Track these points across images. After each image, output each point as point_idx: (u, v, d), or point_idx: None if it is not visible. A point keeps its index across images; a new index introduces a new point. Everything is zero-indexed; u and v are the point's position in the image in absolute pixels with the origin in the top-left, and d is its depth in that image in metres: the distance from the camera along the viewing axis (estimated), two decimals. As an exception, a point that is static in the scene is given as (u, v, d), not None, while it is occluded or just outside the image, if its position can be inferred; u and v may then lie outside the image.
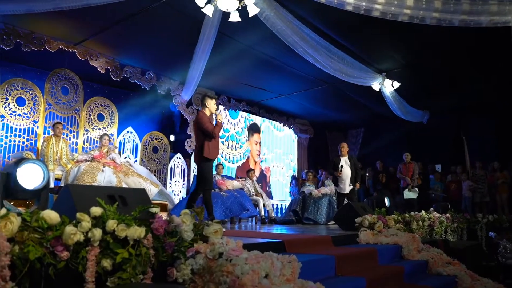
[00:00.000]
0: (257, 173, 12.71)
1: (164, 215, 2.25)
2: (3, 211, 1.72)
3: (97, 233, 1.87)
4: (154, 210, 2.18)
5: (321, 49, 7.53)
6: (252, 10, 5.91)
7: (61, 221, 1.84)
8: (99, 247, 1.89)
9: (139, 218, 2.10)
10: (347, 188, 8.15)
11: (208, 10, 5.91)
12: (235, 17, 5.96)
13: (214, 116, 5.93)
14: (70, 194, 2.17)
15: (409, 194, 10.24)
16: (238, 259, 2.08)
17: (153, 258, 2.06)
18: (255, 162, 12.92)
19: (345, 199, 8.10)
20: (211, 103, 5.84)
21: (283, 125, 14.06)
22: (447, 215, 7.37)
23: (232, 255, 2.12)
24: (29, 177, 2.37)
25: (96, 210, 1.97)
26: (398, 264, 4.09)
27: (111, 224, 1.95)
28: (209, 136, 5.63)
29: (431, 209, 7.89)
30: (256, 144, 13.12)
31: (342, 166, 8.14)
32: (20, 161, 2.36)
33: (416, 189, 10.36)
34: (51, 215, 1.81)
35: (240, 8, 5.84)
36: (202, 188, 5.70)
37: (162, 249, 2.11)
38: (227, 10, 5.81)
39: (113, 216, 2.00)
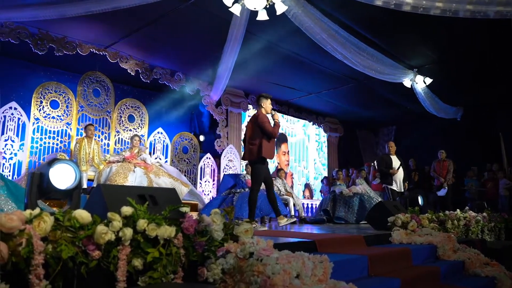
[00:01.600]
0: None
1: (194, 215, 2.24)
2: (37, 210, 1.74)
3: (128, 232, 1.88)
4: (184, 209, 2.17)
5: (350, 46, 7.42)
6: (280, 8, 5.87)
7: (92, 221, 1.85)
8: (130, 247, 1.89)
9: (170, 218, 2.09)
10: (402, 186, 8.29)
11: (236, 10, 5.90)
12: (263, 16, 5.93)
13: (270, 115, 5.81)
14: (101, 193, 2.18)
15: (442, 192, 10.01)
16: (269, 259, 2.05)
17: (183, 257, 2.05)
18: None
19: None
20: (266, 103, 5.73)
21: (313, 124, 13.94)
22: (484, 214, 7.14)
23: (262, 254, 2.10)
24: (61, 177, 2.40)
25: (127, 210, 1.97)
26: (433, 265, 3.97)
27: (142, 223, 1.95)
28: (269, 136, 5.55)
29: (466, 208, 7.66)
30: (284, 155, 12.84)
31: (400, 164, 8.29)
32: (52, 161, 2.40)
33: (446, 189, 10.11)
34: (82, 215, 1.82)
35: (267, 6, 5.81)
36: (253, 187, 5.66)
37: (193, 249, 2.11)
38: (255, 8, 5.78)
39: (143, 215, 2.00)
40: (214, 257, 2.12)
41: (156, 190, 2.64)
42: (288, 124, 13.28)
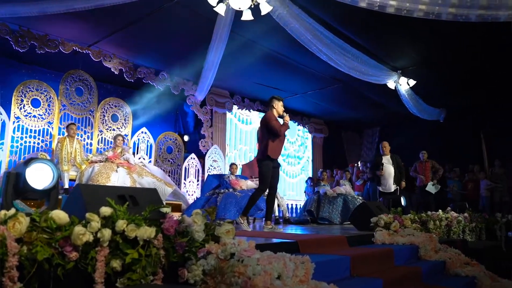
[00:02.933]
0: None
1: (178, 216, 2.22)
2: (12, 211, 1.70)
3: (107, 233, 1.84)
4: (165, 209, 2.15)
5: (335, 47, 7.45)
6: (265, 9, 5.85)
7: (70, 221, 1.81)
8: (108, 248, 1.86)
9: (150, 218, 2.06)
10: (392, 187, 8.12)
11: (221, 9, 5.87)
12: (247, 16, 5.91)
13: (281, 118, 5.82)
14: (80, 193, 2.15)
15: (431, 188, 9.98)
16: (250, 260, 2.03)
17: (163, 258, 2.02)
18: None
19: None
20: (278, 105, 5.73)
21: (298, 125, 13.94)
22: (465, 214, 7.23)
23: (244, 255, 2.08)
24: (38, 176, 2.35)
25: (105, 210, 1.94)
26: (415, 265, 4.01)
27: (121, 224, 1.92)
28: (275, 135, 5.56)
29: (448, 208, 7.74)
30: None
31: (383, 164, 8.10)
32: (29, 161, 2.35)
33: (439, 186, 10.12)
34: (60, 215, 1.78)
35: (252, 6, 5.79)
36: (259, 187, 5.69)
37: (173, 250, 2.08)
38: (240, 8, 5.76)
39: (123, 216, 1.97)
40: (195, 258, 2.10)
41: (137, 190, 2.61)
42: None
